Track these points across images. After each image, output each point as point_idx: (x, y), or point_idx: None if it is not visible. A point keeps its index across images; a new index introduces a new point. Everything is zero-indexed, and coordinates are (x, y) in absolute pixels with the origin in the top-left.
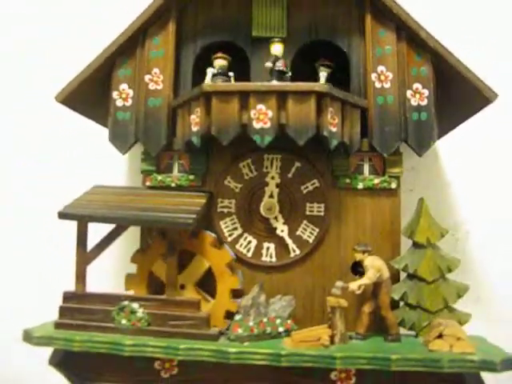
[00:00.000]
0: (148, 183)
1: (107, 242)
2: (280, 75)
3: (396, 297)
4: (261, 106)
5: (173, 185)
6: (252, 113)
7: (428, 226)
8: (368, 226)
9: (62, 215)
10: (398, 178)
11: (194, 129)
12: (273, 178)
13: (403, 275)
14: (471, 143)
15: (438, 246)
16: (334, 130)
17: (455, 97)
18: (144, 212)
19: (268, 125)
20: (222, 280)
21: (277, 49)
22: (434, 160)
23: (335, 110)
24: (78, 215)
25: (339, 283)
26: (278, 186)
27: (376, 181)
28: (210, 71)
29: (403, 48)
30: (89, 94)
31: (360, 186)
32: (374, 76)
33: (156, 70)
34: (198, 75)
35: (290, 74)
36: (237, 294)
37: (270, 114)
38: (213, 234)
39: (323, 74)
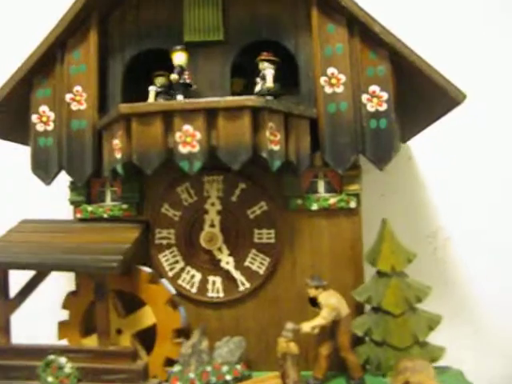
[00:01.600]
0: (79, 215)
1: (30, 288)
2: (185, 88)
3: (359, 333)
4: (187, 127)
5: (105, 215)
6: (177, 135)
7: (392, 252)
8: (326, 251)
9: None
10: (357, 195)
11: (118, 156)
12: (213, 204)
13: (368, 306)
14: (446, 141)
15: (404, 273)
16: (275, 148)
17: (419, 98)
18: (66, 255)
19: (197, 148)
20: (162, 320)
21: (180, 58)
22: (406, 160)
23: (276, 125)
24: None
25: (290, 325)
26: (219, 213)
27: (332, 200)
28: (152, 89)
29: (356, 45)
30: (6, 120)
31: (314, 206)
32: (323, 80)
33: (78, 88)
34: (133, 88)
35: (195, 86)
36: (181, 333)
37: (199, 135)
38: (148, 270)
39: (270, 72)
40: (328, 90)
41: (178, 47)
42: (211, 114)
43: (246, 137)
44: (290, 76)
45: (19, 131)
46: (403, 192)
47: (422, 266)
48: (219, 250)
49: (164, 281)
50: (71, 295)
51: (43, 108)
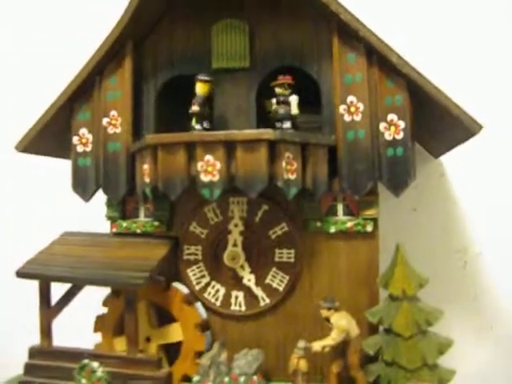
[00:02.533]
0: (114, 230)
1: (69, 297)
2: (204, 118)
3: (371, 352)
4: (208, 157)
5: (138, 231)
6: (199, 165)
7: (404, 277)
8: (343, 272)
9: (20, 274)
10: (374, 219)
11: (147, 180)
12: (236, 225)
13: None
14: (477, 158)
15: (416, 297)
16: (292, 177)
17: (439, 124)
18: (99, 270)
19: (217, 177)
20: (188, 340)
21: (203, 88)
22: (438, 177)
23: (293, 155)
24: (36, 275)
25: (301, 343)
26: (241, 233)
27: (349, 224)
28: (294, 99)
29: (375, 74)
30: (50, 139)
31: (332, 229)
32: (342, 108)
33: (114, 113)
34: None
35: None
36: (202, 355)
37: (219, 165)
38: (185, 290)
39: (294, 98)
40: (347, 117)
41: (201, 78)
42: (230, 146)
43: (263, 167)
44: (313, 99)
45: (60, 150)
46: (435, 207)
47: (452, 279)
48: (241, 267)
49: (198, 304)
50: (112, 296)
51: (83, 131)
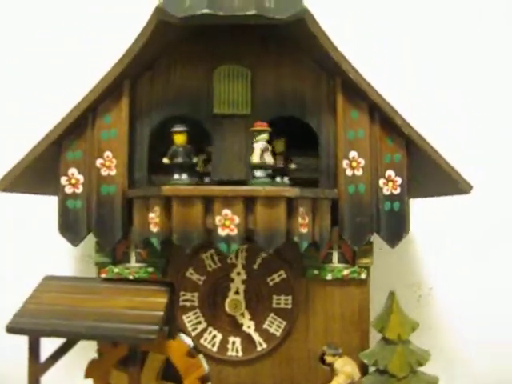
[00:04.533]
0: (103, 275)
1: (61, 353)
2: (183, 168)
3: None
4: (226, 212)
5: (131, 277)
6: (217, 219)
7: (399, 323)
8: (337, 315)
9: (11, 330)
10: (367, 268)
11: (154, 229)
12: (239, 273)
13: (372, 368)
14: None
15: (408, 340)
16: (303, 231)
17: (428, 179)
18: (100, 323)
19: (235, 232)
20: (187, 372)
21: (179, 139)
22: None
23: (305, 209)
24: (28, 330)
25: None
26: (244, 281)
27: (345, 272)
28: (258, 146)
29: (376, 132)
30: (35, 177)
31: (329, 276)
32: (345, 163)
33: (108, 154)
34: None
35: (194, 160)
36: (203, 379)
37: (237, 220)
38: (189, 342)
39: (258, 146)
40: (349, 172)
41: (179, 129)
42: (250, 201)
43: (282, 223)
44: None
45: (41, 186)
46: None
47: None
48: (242, 314)
49: (201, 356)
50: (94, 362)
51: (72, 171)
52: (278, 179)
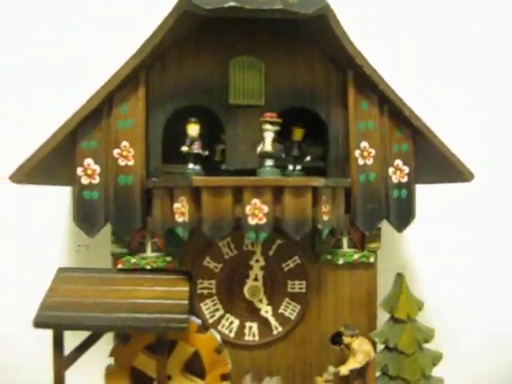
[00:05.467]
0: (120, 266)
1: (86, 345)
2: (196, 158)
3: (377, 368)
4: (255, 201)
5: (148, 267)
6: (247, 208)
7: (408, 303)
8: (347, 298)
9: (39, 324)
10: (375, 252)
11: (179, 219)
12: (257, 260)
13: (379, 346)
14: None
15: (415, 319)
16: (326, 218)
17: (430, 167)
18: (126, 314)
19: (264, 220)
20: (212, 367)
21: (193, 130)
22: None
23: (327, 198)
24: (54, 324)
25: (331, 368)
26: (262, 268)
27: (356, 256)
28: (269, 135)
29: (385, 123)
30: (50, 169)
31: (340, 261)
32: (357, 153)
33: (125, 144)
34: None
35: (206, 153)
36: (225, 377)
37: (266, 209)
38: (198, 321)
39: (269, 135)
40: (360, 161)
41: (192, 119)
42: (278, 191)
43: (308, 212)
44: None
45: (60, 178)
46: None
47: None
48: (259, 300)
49: (211, 330)
50: (120, 345)
51: (88, 161)
52: (291, 167)
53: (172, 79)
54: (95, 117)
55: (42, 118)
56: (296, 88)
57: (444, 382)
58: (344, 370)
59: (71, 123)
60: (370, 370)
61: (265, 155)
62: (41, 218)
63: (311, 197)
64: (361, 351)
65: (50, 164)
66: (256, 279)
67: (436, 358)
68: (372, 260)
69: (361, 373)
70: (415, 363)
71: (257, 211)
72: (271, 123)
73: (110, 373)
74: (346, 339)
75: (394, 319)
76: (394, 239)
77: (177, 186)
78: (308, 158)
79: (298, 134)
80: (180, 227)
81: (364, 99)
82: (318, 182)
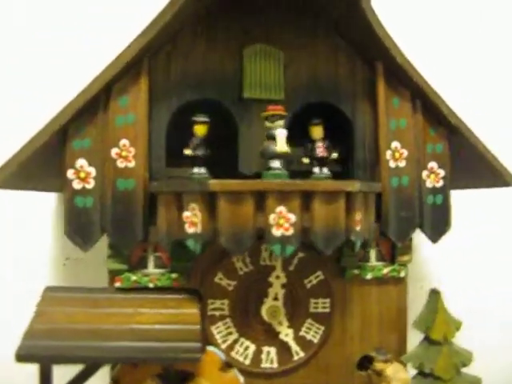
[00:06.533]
0: (118, 284)
1: (80, 381)
2: (202, 161)
3: None
4: (281, 209)
5: (151, 285)
6: (271, 217)
7: (445, 323)
8: (375, 317)
9: (22, 358)
10: (406, 265)
11: (190, 230)
12: (278, 277)
13: (412, 371)
14: None
15: (452, 341)
16: (358, 228)
17: (465, 171)
18: (130, 343)
19: (290, 231)
20: None
21: (203, 130)
22: None
23: (360, 205)
24: (42, 357)
25: None
26: (283, 286)
27: (385, 270)
28: (281, 133)
29: (418, 121)
30: (35, 172)
31: (369, 276)
32: (388, 154)
33: (125, 142)
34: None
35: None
36: None
37: (293, 218)
38: (222, 356)
39: (282, 132)
40: (392, 164)
41: (201, 119)
42: (307, 197)
43: (341, 221)
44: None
45: (48, 182)
46: None
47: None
48: (279, 322)
49: (235, 370)
50: (128, 367)
51: (81, 162)
52: (317, 170)
53: (178, 69)
54: (89, 111)
55: (27, 112)
56: (318, 81)
57: None
58: None
59: (61, 118)
60: None
61: (279, 155)
62: (22, 227)
63: (344, 204)
64: (397, 379)
65: (35, 166)
66: (276, 298)
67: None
68: (403, 274)
69: None
70: None
71: (282, 220)
72: (279, 117)
73: None
74: (379, 365)
75: (428, 340)
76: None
77: (187, 192)
78: (335, 155)
79: (316, 131)
80: (191, 239)
81: (395, 95)
82: (353, 186)
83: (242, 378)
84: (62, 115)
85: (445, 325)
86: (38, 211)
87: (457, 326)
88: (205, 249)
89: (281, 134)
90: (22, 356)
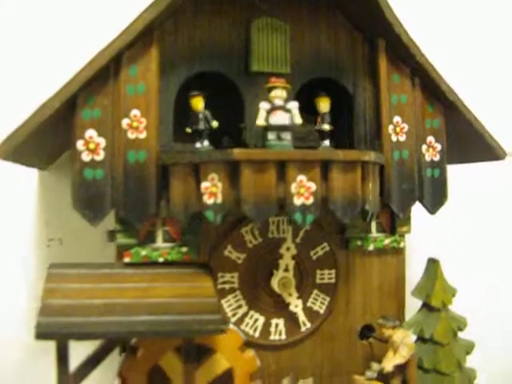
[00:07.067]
0: (127, 259)
1: (98, 358)
2: (203, 135)
3: None
4: (301, 178)
5: (161, 259)
6: (293, 186)
7: (443, 290)
8: (375, 287)
9: (42, 335)
10: (404, 236)
11: (209, 201)
12: (288, 248)
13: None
14: None
15: (448, 307)
16: (371, 198)
17: (459, 146)
18: (153, 316)
19: (310, 200)
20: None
21: (199, 103)
22: None
23: (371, 176)
24: (62, 333)
25: (376, 366)
26: (294, 257)
27: (386, 241)
28: (262, 106)
29: (417, 97)
30: (43, 143)
31: (371, 247)
32: (390, 128)
33: (136, 113)
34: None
35: (215, 124)
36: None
37: (314, 187)
38: (243, 335)
39: (262, 106)
40: (394, 137)
41: (196, 92)
42: (325, 166)
43: (358, 190)
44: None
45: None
46: None
47: None
48: (289, 294)
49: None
50: (129, 359)
51: (90, 133)
52: (326, 142)
53: (186, 40)
54: (99, 80)
55: (34, 80)
56: (320, 57)
57: (477, 372)
58: (389, 366)
59: (70, 87)
60: (411, 364)
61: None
62: (3, 206)
63: (361, 173)
64: (404, 344)
65: (43, 137)
66: (287, 269)
67: (469, 348)
68: (402, 245)
69: (401, 368)
70: (450, 354)
71: (302, 190)
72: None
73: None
74: (387, 331)
75: (428, 307)
76: None
77: (207, 162)
78: (326, 127)
79: (324, 104)
80: (210, 210)
81: (395, 71)
82: (369, 156)
83: (258, 361)
84: (70, 84)
85: (443, 292)
86: (20, 190)
87: (453, 292)
88: (224, 220)
89: (294, 107)
90: (42, 333)
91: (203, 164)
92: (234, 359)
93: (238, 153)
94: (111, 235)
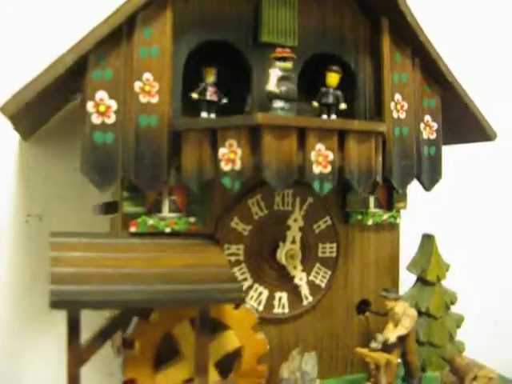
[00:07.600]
0: (133, 229)
1: (112, 329)
2: (209, 105)
3: None
4: (320, 146)
5: (168, 230)
6: (312, 154)
7: (438, 265)
8: (372, 261)
9: (58, 304)
10: (400, 212)
11: (226, 168)
12: (295, 220)
13: None
14: None
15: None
16: (380, 169)
17: (451, 127)
18: (170, 285)
19: (328, 169)
20: (248, 374)
21: (212, 75)
22: None
23: (379, 149)
24: (77, 301)
25: (381, 337)
26: (301, 229)
27: (385, 216)
28: (274, 73)
29: (416, 77)
30: (52, 102)
31: (370, 222)
32: (392, 105)
33: (148, 76)
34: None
35: (225, 100)
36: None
37: (331, 155)
38: (256, 314)
39: (275, 72)
40: (395, 114)
41: (210, 63)
42: (342, 135)
43: (372, 160)
44: None
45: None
46: None
47: None
48: (294, 267)
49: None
50: (143, 324)
51: (101, 94)
52: (325, 117)
53: (197, 8)
54: (112, 41)
55: (45, 38)
56: (326, 32)
57: (465, 345)
58: (393, 337)
59: (81, 47)
60: (411, 337)
61: (269, 96)
62: None
63: (375, 143)
64: (407, 315)
65: (52, 96)
66: (293, 241)
67: (459, 321)
68: (398, 220)
69: (401, 340)
70: (443, 327)
71: (321, 158)
72: (282, 60)
73: (130, 359)
74: (390, 303)
75: (423, 282)
76: None
77: (224, 127)
78: (343, 106)
79: (332, 79)
80: (227, 177)
81: (397, 51)
82: (383, 127)
83: (267, 345)
84: (82, 43)
85: (438, 267)
86: None
87: (446, 267)
88: (242, 186)
89: (273, 73)
90: (57, 302)
91: (221, 129)
92: (246, 338)
93: (261, 117)
94: (106, 207)
